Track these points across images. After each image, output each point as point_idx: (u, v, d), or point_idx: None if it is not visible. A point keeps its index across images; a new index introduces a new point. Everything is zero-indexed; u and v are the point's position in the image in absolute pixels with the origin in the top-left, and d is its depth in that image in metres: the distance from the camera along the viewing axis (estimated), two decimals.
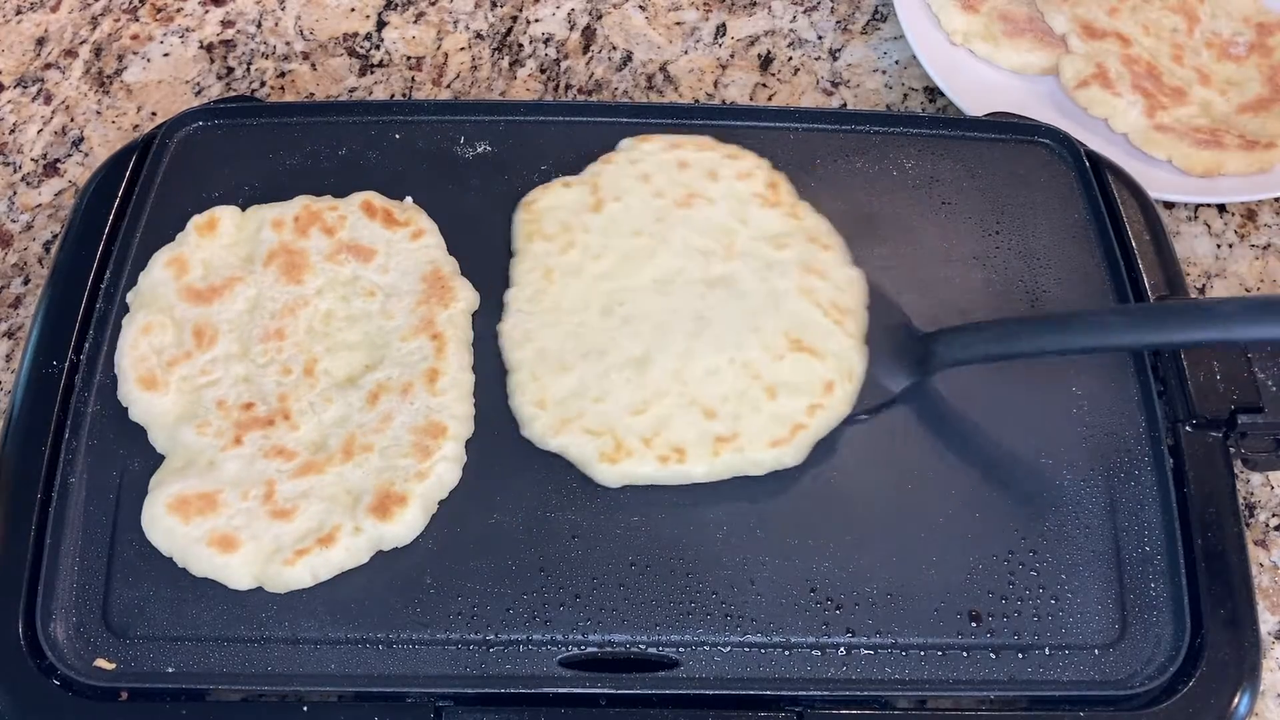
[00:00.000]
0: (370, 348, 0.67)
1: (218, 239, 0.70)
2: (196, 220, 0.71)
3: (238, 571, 0.60)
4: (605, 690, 0.59)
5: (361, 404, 0.65)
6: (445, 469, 0.63)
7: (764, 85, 0.93)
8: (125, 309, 0.69)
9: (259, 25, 0.96)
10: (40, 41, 0.95)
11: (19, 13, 0.96)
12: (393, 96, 0.91)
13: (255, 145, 0.76)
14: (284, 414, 0.65)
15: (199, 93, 0.92)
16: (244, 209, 0.72)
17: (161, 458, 0.64)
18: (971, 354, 0.65)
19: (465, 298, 0.69)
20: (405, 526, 0.61)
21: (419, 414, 0.65)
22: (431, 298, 0.69)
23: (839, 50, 0.95)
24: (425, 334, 0.67)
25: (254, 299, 0.69)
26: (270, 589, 0.60)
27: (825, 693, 0.59)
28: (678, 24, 0.97)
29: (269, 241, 0.70)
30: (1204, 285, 0.83)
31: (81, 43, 0.95)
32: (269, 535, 0.61)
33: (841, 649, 0.60)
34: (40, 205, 0.86)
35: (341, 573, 0.61)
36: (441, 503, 0.63)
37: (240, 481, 0.62)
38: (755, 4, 0.98)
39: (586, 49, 0.95)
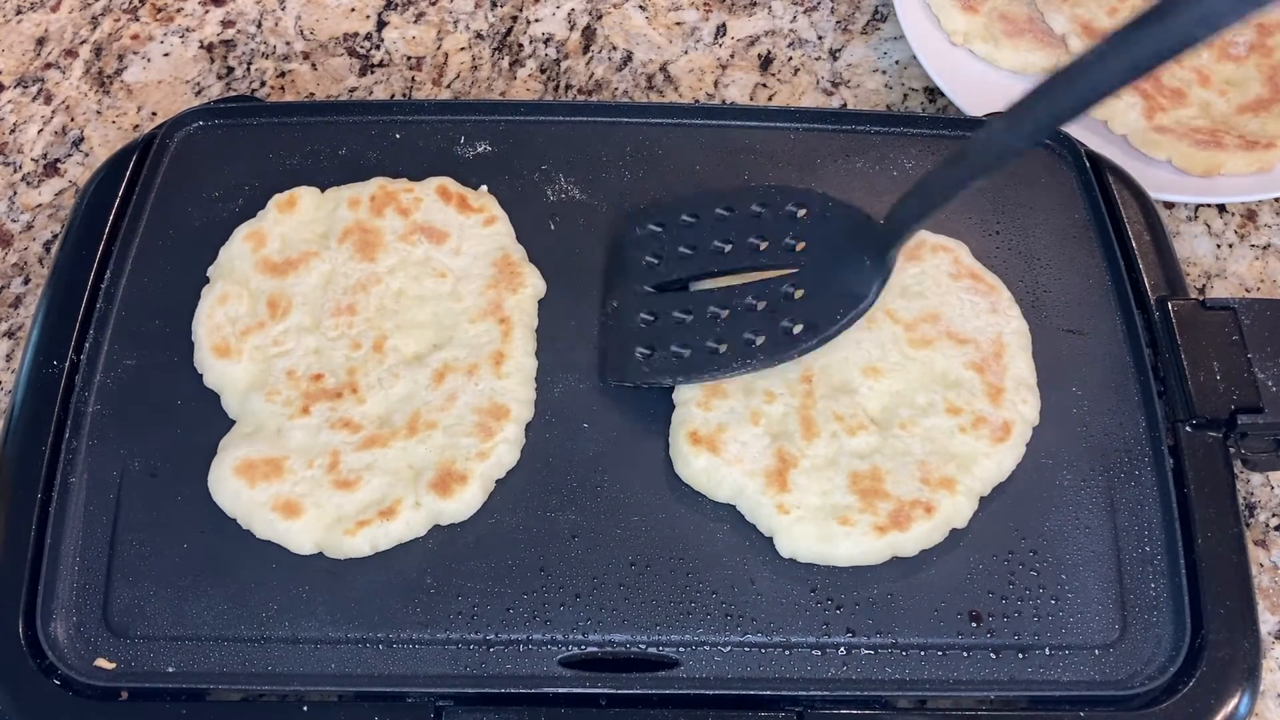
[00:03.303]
0: (439, 327, 0.68)
1: (297, 215, 0.72)
2: (277, 198, 0.72)
3: (300, 537, 0.61)
4: (605, 690, 0.59)
5: (428, 382, 0.66)
6: (505, 450, 0.64)
7: (764, 85, 0.93)
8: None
9: (259, 25, 0.96)
10: (40, 41, 0.95)
11: (19, 13, 0.96)
12: (393, 96, 0.91)
13: (255, 145, 0.76)
14: (352, 387, 0.66)
15: (199, 93, 0.92)
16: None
17: (229, 423, 0.66)
18: (912, 211, 0.60)
19: (533, 284, 0.70)
20: (464, 504, 0.63)
21: (483, 395, 0.65)
22: (501, 283, 0.69)
23: (839, 50, 0.95)
24: (493, 317, 0.68)
25: (328, 274, 0.70)
26: (330, 555, 0.62)
27: (825, 693, 0.59)
28: (678, 24, 0.97)
29: (345, 219, 0.72)
30: (1204, 285, 0.83)
31: (81, 43, 0.95)
32: (331, 504, 0.62)
33: (841, 649, 0.60)
34: (40, 205, 0.86)
35: (400, 543, 0.62)
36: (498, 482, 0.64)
37: (306, 450, 0.64)
38: (755, 4, 0.98)
39: (586, 49, 0.95)
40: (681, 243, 0.69)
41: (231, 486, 0.62)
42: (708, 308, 0.67)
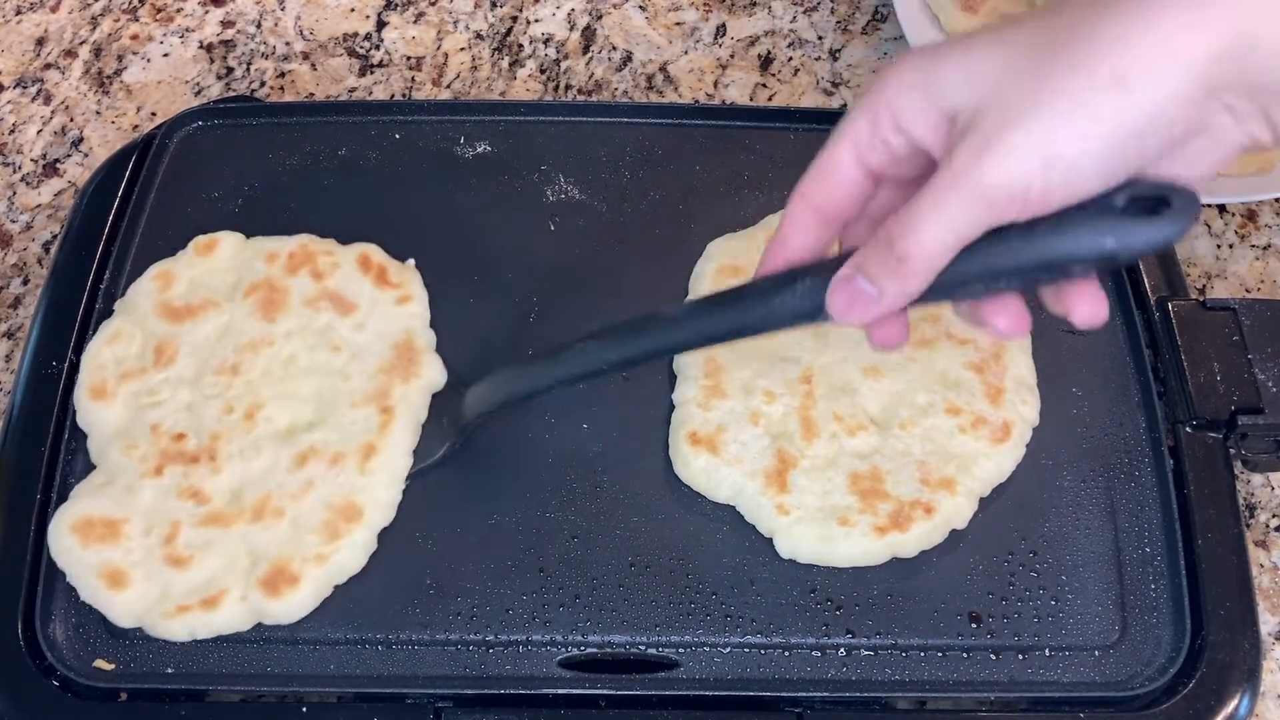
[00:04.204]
0: (319, 404, 0.65)
1: (212, 261, 0.69)
2: (198, 240, 0.70)
3: (120, 609, 0.59)
4: (605, 691, 0.59)
5: (288, 464, 0.63)
6: (348, 556, 0.60)
7: (764, 85, 0.93)
8: None
9: (259, 25, 0.96)
10: (40, 41, 0.95)
11: (19, 13, 0.96)
12: (393, 96, 0.91)
13: (255, 145, 0.76)
14: (210, 454, 0.63)
15: (199, 93, 0.92)
16: (247, 223, 0.71)
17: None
18: (491, 402, 0.63)
19: (429, 376, 0.66)
20: (292, 607, 0.59)
21: (341, 490, 0.62)
22: (395, 368, 0.66)
23: (839, 50, 0.95)
24: (375, 404, 0.64)
25: (224, 326, 0.67)
26: (149, 634, 0.59)
27: (825, 693, 0.59)
28: (678, 24, 0.97)
29: (258, 273, 0.69)
30: (1204, 285, 0.83)
31: (81, 43, 0.95)
32: (159, 580, 0.59)
33: (841, 650, 0.60)
34: (40, 205, 0.86)
35: (222, 635, 0.59)
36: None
37: (149, 514, 0.61)
38: (755, 4, 0.98)
39: (586, 49, 0.95)
40: None
41: (65, 543, 0.60)
42: None
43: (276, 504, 0.61)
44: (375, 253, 0.70)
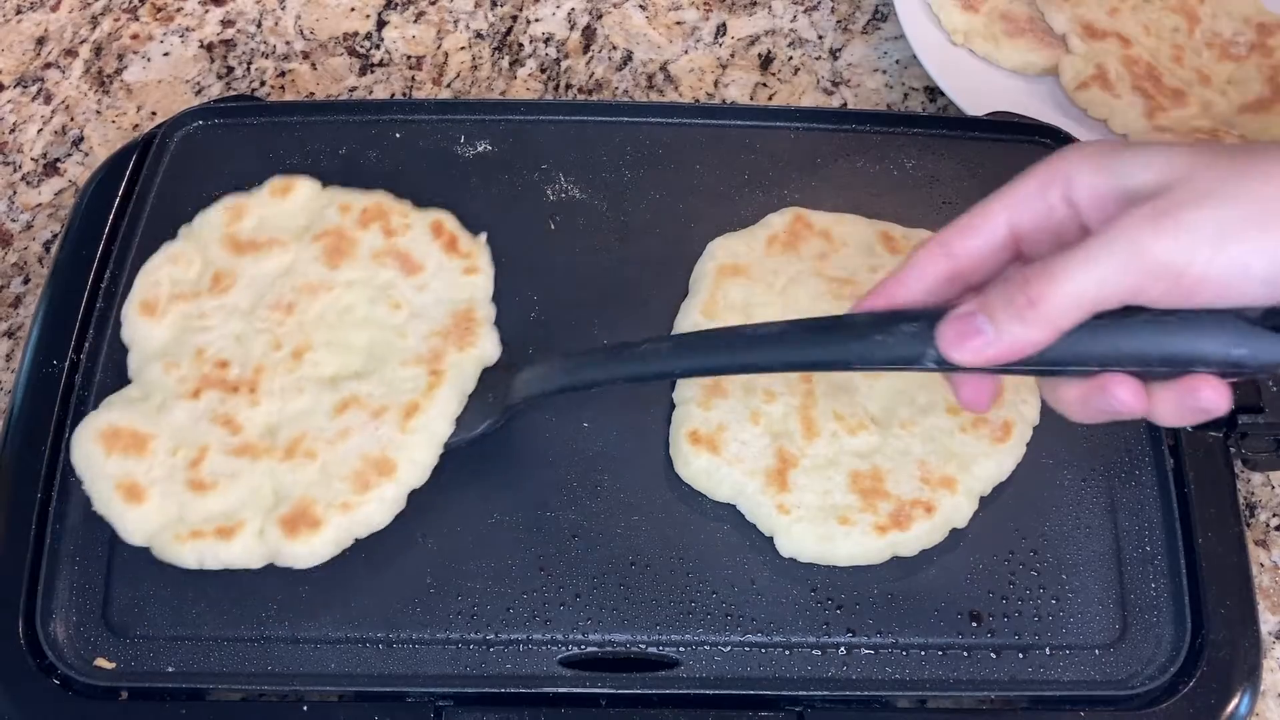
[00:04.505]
0: (369, 357, 0.64)
1: (287, 204, 0.69)
2: (274, 181, 0.70)
3: (132, 525, 0.59)
4: (605, 690, 0.59)
5: (329, 409, 0.62)
6: (376, 510, 0.59)
7: (764, 85, 0.93)
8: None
9: (259, 25, 0.96)
10: (40, 41, 0.95)
11: (19, 12, 0.96)
12: (393, 96, 0.91)
13: (255, 144, 0.76)
14: (251, 386, 0.62)
15: (199, 92, 0.92)
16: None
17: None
18: (545, 386, 0.62)
19: (485, 348, 0.65)
20: (307, 551, 0.58)
21: (378, 443, 0.61)
22: (452, 335, 0.65)
23: (839, 50, 0.95)
24: (426, 366, 0.63)
25: (287, 266, 0.66)
26: (156, 555, 0.59)
27: (825, 693, 0.59)
28: (678, 24, 0.97)
29: (330, 220, 0.68)
30: None
31: (81, 42, 0.95)
32: (176, 502, 0.59)
33: (842, 649, 0.60)
34: (40, 205, 0.86)
35: (230, 569, 0.59)
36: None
37: (178, 435, 0.61)
38: (755, 4, 0.98)
39: (586, 49, 0.95)
40: None
41: (88, 449, 0.60)
42: None
43: (310, 446, 0.61)
44: (449, 220, 0.70)
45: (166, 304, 0.65)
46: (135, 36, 0.95)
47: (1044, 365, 0.48)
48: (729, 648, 0.60)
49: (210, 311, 0.65)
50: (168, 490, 0.59)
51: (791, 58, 0.95)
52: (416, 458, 0.61)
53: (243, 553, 0.58)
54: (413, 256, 0.68)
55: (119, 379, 0.66)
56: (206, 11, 0.96)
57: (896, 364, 0.51)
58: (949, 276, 0.52)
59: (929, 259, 0.52)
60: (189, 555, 0.58)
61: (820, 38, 0.96)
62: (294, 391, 0.62)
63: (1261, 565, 0.71)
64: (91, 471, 0.60)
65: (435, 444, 0.61)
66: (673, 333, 0.68)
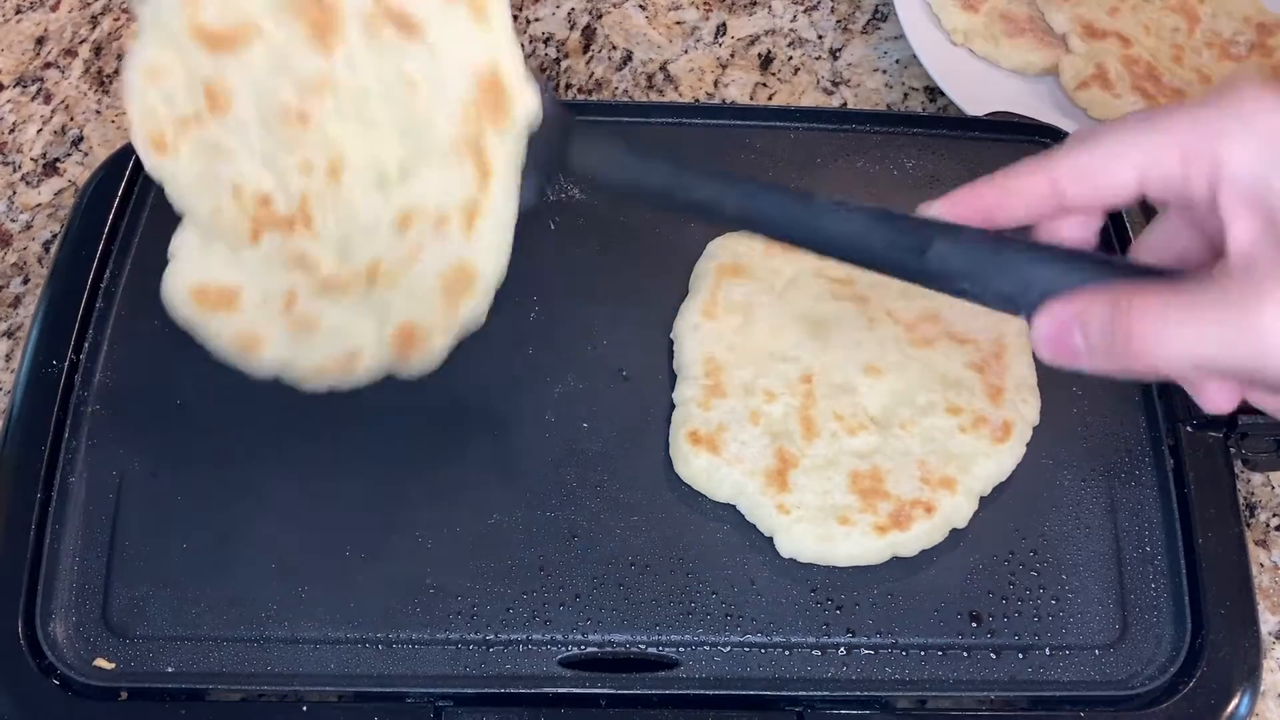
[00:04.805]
0: (405, 150, 0.58)
1: None
2: None
3: (263, 364, 0.60)
4: (605, 690, 0.59)
5: (391, 223, 0.58)
6: (474, 319, 0.59)
7: (764, 85, 0.93)
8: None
9: None
10: (40, 41, 0.95)
11: (19, 12, 0.96)
12: None
13: None
14: (305, 220, 0.59)
15: None
16: None
17: None
18: (601, 168, 0.59)
19: (523, 119, 0.57)
20: (429, 360, 0.59)
21: (450, 256, 0.57)
22: (484, 109, 0.56)
23: (839, 50, 0.95)
24: (471, 160, 0.57)
25: (275, 59, 0.57)
26: (286, 380, 0.60)
27: (825, 693, 0.59)
28: (678, 23, 0.97)
29: None
30: None
31: (81, 42, 0.95)
32: (286, 347, 0.60)
33: (841, 649, 0.60)
34: (40, 205, 0.86)
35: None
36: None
37: (259, 283, 0.60)
38: (755, 3, 0.98)
39: (586, 49, 0.95)
40: None
41: (187, 313, 0.60)
42: None
43: (389, 269, 0.59)
44: None
45: (174, 136, 0.59)
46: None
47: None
48: (729, 648, 0.60)
49: (223, 138, 0.59)
50: (276, 337, 0.60)
51: (791, 58, 0.95)
52: (492, 258, 0.58)
53: (365, 376, 0.60)
54: (408, 14, 0.56)
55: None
56: None
57: (996, 305, 0.50)
58: (1051, 210, 0.49)
59: (1035, 191, 0.49)
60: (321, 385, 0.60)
61: (820, 37, 0.96)
62: (349, 215, 0.58)
63: (1261, 565, 0.71)
64: (200, 333, 0.60)
65: (507, 227, 0.58)
66: (673, 332, 0.68)
